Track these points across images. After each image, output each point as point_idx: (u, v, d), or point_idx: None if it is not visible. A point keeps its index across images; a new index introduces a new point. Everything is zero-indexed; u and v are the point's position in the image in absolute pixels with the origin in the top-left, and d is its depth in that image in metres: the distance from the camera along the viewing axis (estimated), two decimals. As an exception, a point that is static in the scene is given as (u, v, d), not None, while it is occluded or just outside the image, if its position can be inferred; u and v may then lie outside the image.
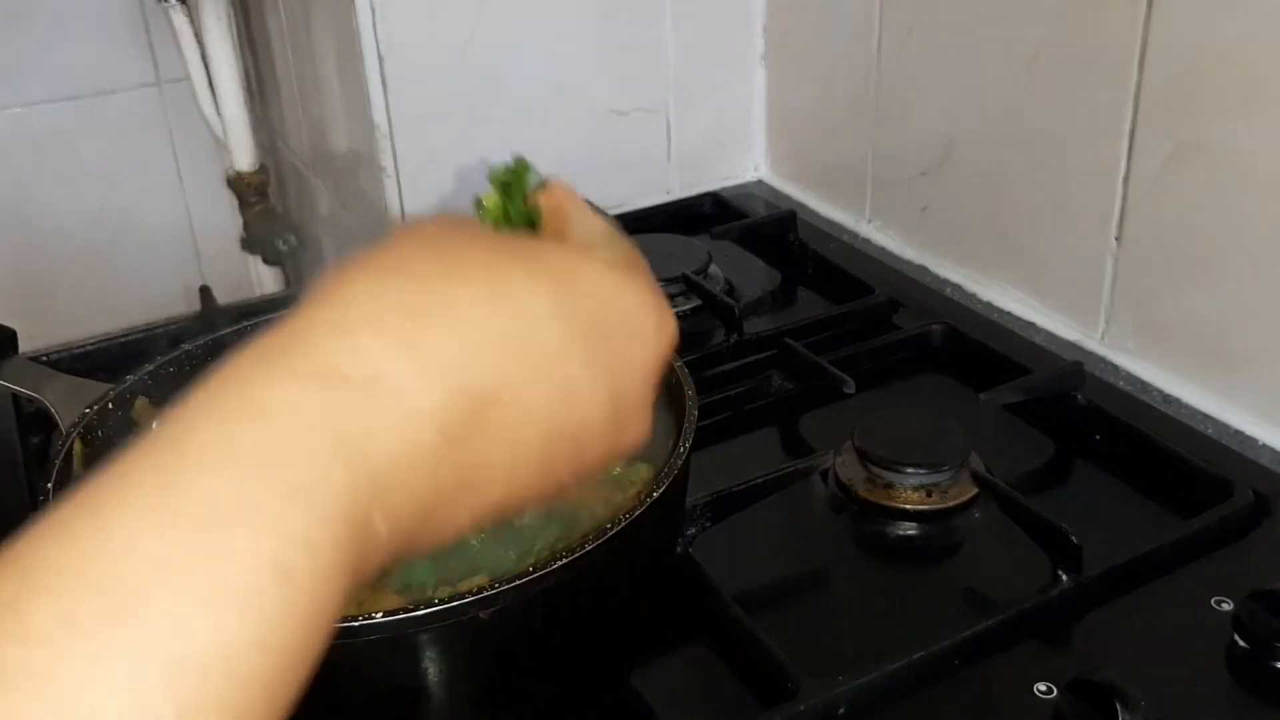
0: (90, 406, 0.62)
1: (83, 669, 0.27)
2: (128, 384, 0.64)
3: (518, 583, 0.48)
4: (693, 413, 0.59)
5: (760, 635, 0.62)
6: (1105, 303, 0.89)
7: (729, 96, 1.22)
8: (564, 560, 0.49)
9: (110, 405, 0.63)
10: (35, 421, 0.83)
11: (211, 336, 0.69)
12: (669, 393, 0.63)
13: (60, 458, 0.58)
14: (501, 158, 1.22)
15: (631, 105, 1.17)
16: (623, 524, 0.51)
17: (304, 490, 0.32)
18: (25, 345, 0.97)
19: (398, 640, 0.48)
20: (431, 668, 0.50)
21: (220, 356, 0.68)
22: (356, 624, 0.46)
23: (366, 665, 0.49)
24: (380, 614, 0.47)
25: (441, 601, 0.47)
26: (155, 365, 0.66)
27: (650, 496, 0.53)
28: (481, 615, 0.48)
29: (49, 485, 0.56)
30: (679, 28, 1.15)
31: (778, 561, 0.72)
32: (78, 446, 0.60)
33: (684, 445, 0.56)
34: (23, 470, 0.80)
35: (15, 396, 0.83)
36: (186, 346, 0.68)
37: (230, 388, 0.34)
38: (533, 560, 0.56)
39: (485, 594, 0.47)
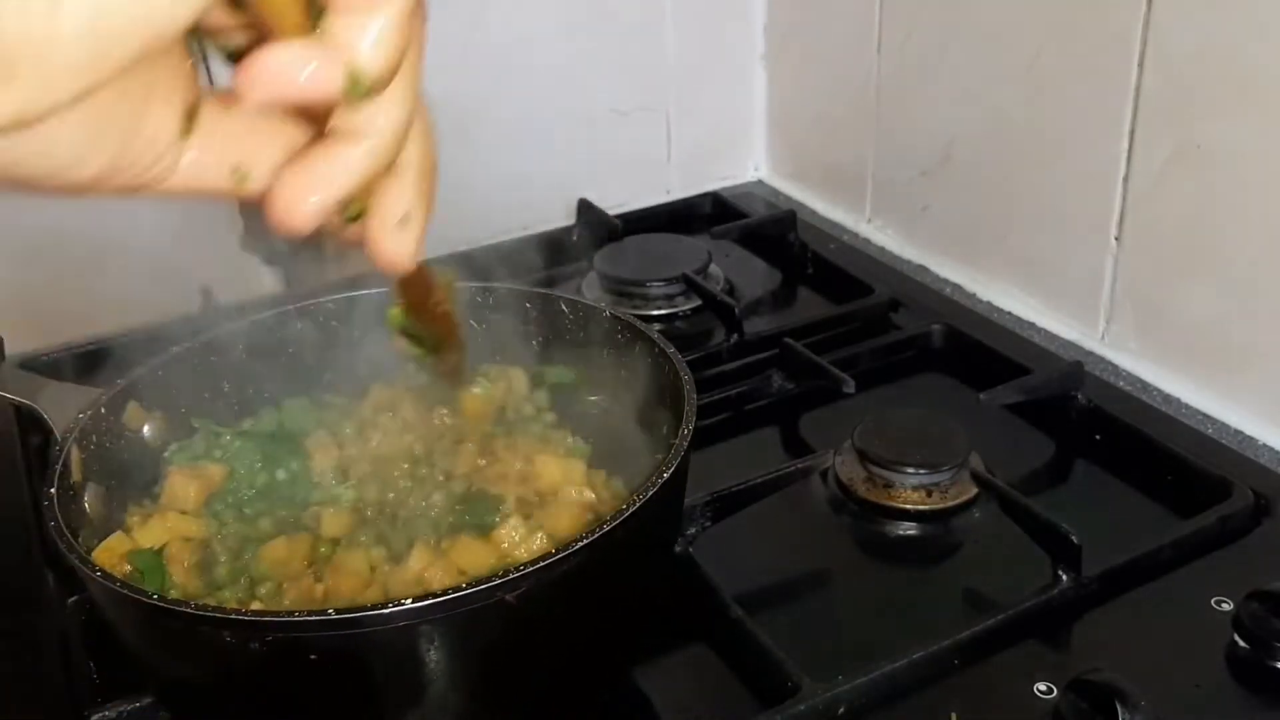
0: (83, 412, 0.62)
1: None
2: (119, 388, 0.65)
3: (542, 564, 0.49)
4: (691, 395, 0.60)
5: (760, 635, 0.62)
6: (1105, 303, 0.89)
7: (729, 96, 1.22)
8: (586, 541, 0.50)
9: (103, 410, 0.63)
10: (35, 423, 0.83)
11: (201, 339, 0.69)
12: (666, 387, 0.63)
13: (59, 464, 0.59)
14: (502, 158, 1.23)
15: (631, 105, 1.17)
16: (638, 504, 0.52)
17: None
18: (25, 346, 0.97)
19: (424, 626, 0.48)
20: (456, 653, 0.50)
21: (211, 358, 0.69)
22: (385, 611, 0.47)
23: (394, 651, 0.49)
24: (409, 600, 0.47)
25: (469, 585, 0.48)
26: (145, 369, 0.66)
27: (662, 476, 0.54)
28: (508, 598, 0.48)
29: (51, 490, 0.56)
30: (679, 28, 1.15)
31: (778, 561, 0.72)
32: (74, 453, 0.60)
33: (687, 427, 0.57)
34: (24, 471, 0.80)
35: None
36: (175, 349, 0.68)
37: None
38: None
39: (512, 576, 0.48)
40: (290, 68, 0.33)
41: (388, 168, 0.37)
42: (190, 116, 0.35)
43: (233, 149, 0.37)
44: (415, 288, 0.51)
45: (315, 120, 0.36)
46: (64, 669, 0.63)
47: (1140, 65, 0.82)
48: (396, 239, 0.39)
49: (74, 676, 0.63)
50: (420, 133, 0.38)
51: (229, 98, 0.35)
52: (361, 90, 0.34)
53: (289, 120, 0.37)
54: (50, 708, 0.62)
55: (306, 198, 0.36)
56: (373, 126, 0.35)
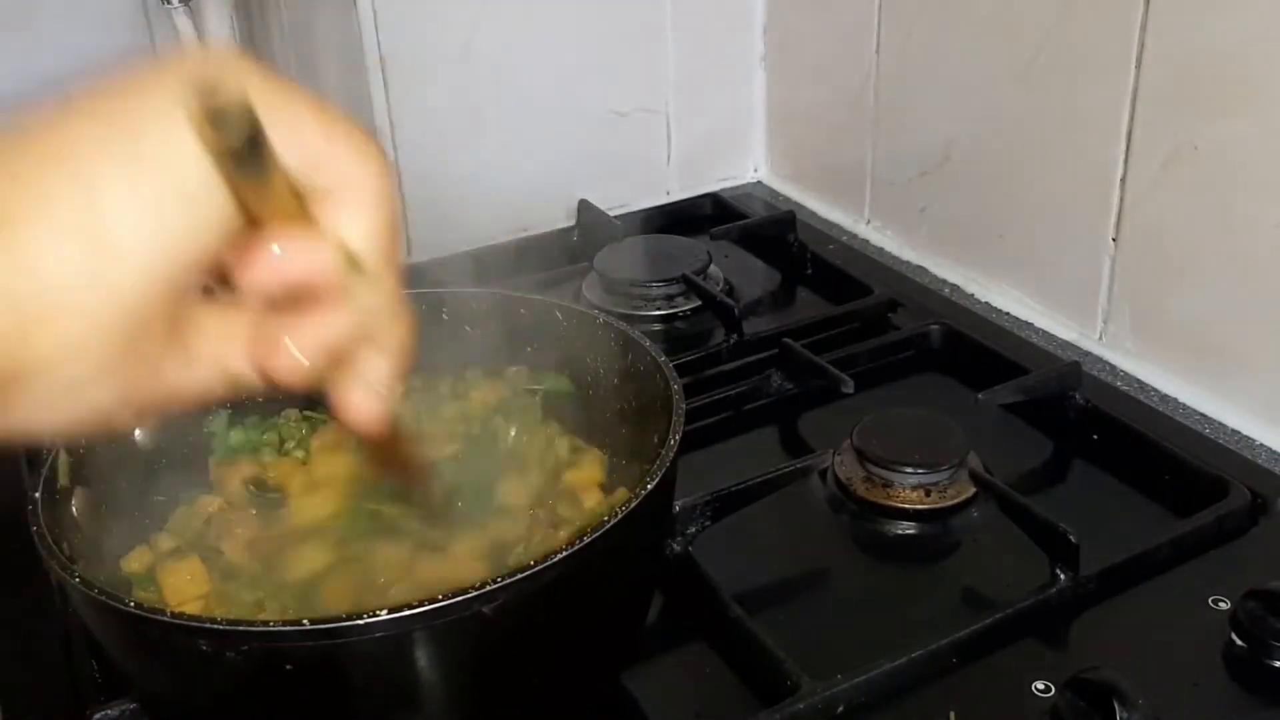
0: None
1: None
2: None
3: (520, 576, 0.48)
4: (679, 405, 0.60)
5: (760, 634, 0.62)
6: (1103, 303, 0.90)
7: (729, 98, 1.22)
8: (564, 553, 0.49)
9: None
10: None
11: None
12: (653, 389, 0.63)
13: (46, 468, 0.58)
14: (502, 158, 1.23)
15: (631, 106, 1.17)
16: (619, 516, 0.51)
17: None
18: (27, 346, 0.97)
19: (401, 637, 0.48)
20: (433, 664, 0.50)
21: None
22: (361, 622, 0.47)
23: (370, 662, 0.49)
24: (385, 611, 0.47)
25: (445, 597, 0.47)
26: None
27: (645, 487, 0.53)
28: (485, 610, 0.48)
29: (36, 495, 0.56)
30: (679, 29, 1.15)
31: (777, 561, 0.72)
32: (63, 457, 0.60)
33: (674, 437, 0.57)
34: (25, 468, 0.80)
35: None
36: None
37: None
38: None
39: (489, 589, 0.48)
40: (294, 253, 0.38)
41: (368, 339, 0.41)
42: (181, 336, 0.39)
43: (222, 352, 0.40)
44: (383, 448, 0.53)
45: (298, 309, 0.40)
46: (66, 667, 0.64)
47: (1138, 67, 0.82)
48: (371, 400, 0.43)
49: (76, 674, 0.63)
50: (399, 321, 0.42)
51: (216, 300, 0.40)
52: (356, 270, 0.38)
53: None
54: (52, 705, 0.63)
55: (298, 350, 0.39)
56: (360, 301, 0.39)
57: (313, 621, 0.48)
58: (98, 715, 0.58)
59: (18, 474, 0.80)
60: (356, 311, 0.39)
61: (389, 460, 0.55)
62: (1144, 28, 0.81)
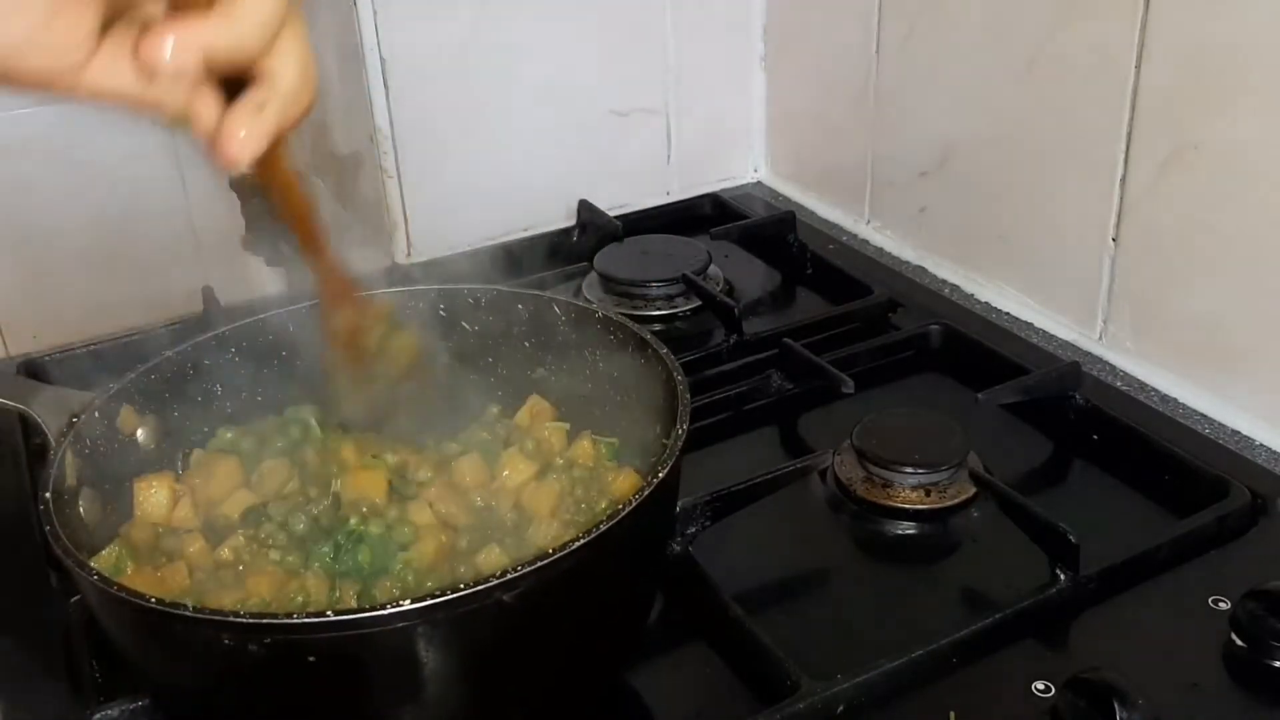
0: (76, 416, 0.62)
1: None
2: (111, 392, 0.64)
3: (540, 564, 0.49)
4: (685, 396, 0.60)
5: (760, 634, 0.62)
6: (1103, 303, 0.90)
7: (729, 98, 1.22)
8: (583, 540, 0.50)
9: (96, 414, 0.63)
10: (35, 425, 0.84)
11: (192, 342, 0.69)
12: (660, 388, 0.64)
13: (54, 468, 0.59)
14: (502, 158, 1.23)
15: (631, 106, 1.17)
16: (634, 504, 0.52)
17: None
18: (27, 346, 0.97)
19: (424, 626, 0.49)
20: (453, 653, 0.51)
21: (201, 364, 0.69)
22: (385, 611, 0.47)
23: (391, 651, 0.50)
24: (408, 601, 0.47)
25: (467, 586, 0.48)
26: (137, 373, 0.66)
27: (657, 476, 0.54)
28: (505, 598, 0.49)
29: (47, 495, 0.57)
30: (679, 30, 1.15)
31: (777, 561, 0.72)
32: (69, 457, 0.60)
33: (681, 427, 0.58)
34: (26, 472, 0.80)
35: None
36: (167, 353, 0.68)
37: None
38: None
39: (510, 577, 0.48)
40: None
41: (246, 55, 0.42)
42: (106, 26, 0.41)
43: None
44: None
45: None
46: (66, 667, 0.64)
47: (1138, 67, 0.82)
48: (241, 120, 0.43)
49: (76, 675, 0.63)
50: (294, 56, 0.43)
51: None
52: None
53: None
54: (53, 706, 0.62)
55: (175, 52, 0.40)
56: (240, 10, 0.41)
57: (336, 612, 0.48)
58: (98, 715, 0.58)
59: (18, 475, 0.80)
60: (242, 21, 0.41)
61: (283, 206, 0.55)
62: (1144, 28, 0.81)
